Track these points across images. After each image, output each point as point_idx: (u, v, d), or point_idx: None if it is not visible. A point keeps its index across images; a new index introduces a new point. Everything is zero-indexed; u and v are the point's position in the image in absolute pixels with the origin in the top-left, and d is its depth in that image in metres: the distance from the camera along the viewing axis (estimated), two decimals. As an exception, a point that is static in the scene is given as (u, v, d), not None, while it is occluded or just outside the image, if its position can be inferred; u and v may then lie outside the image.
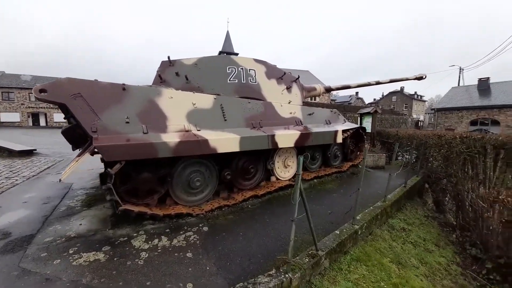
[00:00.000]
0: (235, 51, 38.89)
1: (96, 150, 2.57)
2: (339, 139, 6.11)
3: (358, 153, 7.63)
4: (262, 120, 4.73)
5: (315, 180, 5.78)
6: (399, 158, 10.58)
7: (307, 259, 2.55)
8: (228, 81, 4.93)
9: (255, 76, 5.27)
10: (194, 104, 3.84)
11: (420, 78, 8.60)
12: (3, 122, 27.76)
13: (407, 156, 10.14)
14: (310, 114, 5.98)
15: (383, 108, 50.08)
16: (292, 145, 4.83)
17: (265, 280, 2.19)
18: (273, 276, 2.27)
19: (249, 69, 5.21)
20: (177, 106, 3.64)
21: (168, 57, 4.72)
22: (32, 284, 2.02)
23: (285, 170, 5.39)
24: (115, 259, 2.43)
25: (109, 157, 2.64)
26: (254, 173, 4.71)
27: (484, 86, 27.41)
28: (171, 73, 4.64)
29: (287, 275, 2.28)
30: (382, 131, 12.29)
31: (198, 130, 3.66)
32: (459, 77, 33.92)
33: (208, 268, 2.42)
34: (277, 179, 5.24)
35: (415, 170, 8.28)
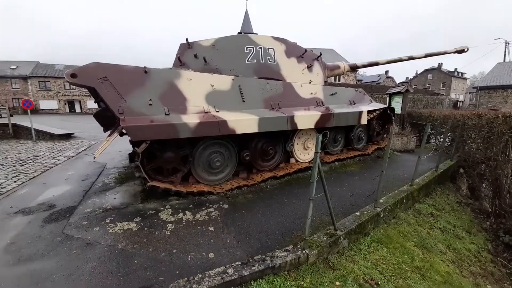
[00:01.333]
0: (255, 31, 37.67)
1: (123, 130, 2.74)
2: (364, 121, 5.80)
3: (385, 135, 7.23)
4: (282, 101, 4.64)
5: (336, 163, 5.65)
6: (431, 141, 9.84)
7: (324, 238, 2.57)
8: (246, 62, 4.84)
9: (274, 55, 5.09)
10: (213, 85, 3.86)
11: (461, 51, 7.65)
12: (42, 109, 30.57)
13: (441, 139, 9.41)
14: (332, 94, 5.72)
15: (416, 87, 45.76)
16: (312, 126, 4.71)
17: (282, 254, 2.27)
18: (290, 251, 2.33)
19: (268, 48, 5.03)
20: (196, 87, 3.69)
21: (187, 39, 4.71)
22: (75, 247, 2.32)
23: (304, 152, 5.31)
24: (145, 229, 2.67)
25: (135, 137, 2.81)
26: (273, 155, 4.72)
27: (534, 60, 23.72)
28: (190, 55, 4.65)
29: (304, 251, 2.33)
30: (413, 113, 11.40)
31: (217, 111, 3.71)
32: (505, 51, 29.78)
33: (228, 241, 2.56)
34: (297, 161, 5.20)
35: (449, 154, 7.72)
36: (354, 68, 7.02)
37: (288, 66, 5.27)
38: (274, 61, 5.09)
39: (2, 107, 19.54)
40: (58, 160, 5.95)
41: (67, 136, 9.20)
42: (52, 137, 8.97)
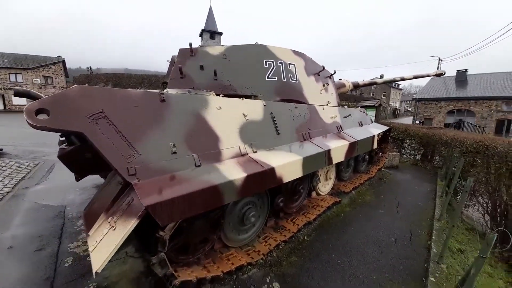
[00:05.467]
0: (219, 30, 36.07)
1: (146, 212, 1.60)
2: (375, 145, 5.57)
3: (380, 154, 7.25)
4: (310, 129, 3.93)
5: (353, 192, 5.23)
6: (404, 155, 10.46)
7: None
8: (266, 79, 3.98)
9: (295, 72, 4.36)
10: (246, 115, 2.90)
11: (440, 75, 8.35)
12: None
13: (414, 153, 10.14)
14: (346, 117, 5.30)
15: (363, 95, 51.05)
16: (343, 159, 4.15)
17: None
18: None
19: (289, 64, 4.28)
20: (227, 119, 2.68)
21: (190, 44, 3.62)
22: None
23: (325, 183, 4.75)
24: None
25: (165, 220, 1.69)
26: (301, 193, 3.98)
27: (462, 77, 28.60)
28: (194, 66, 3.57)
29: None
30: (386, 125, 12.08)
31: (254, 152, 2.77)
32: (437, 68, 35.31)
33: None
34: (318, 194, 4.59)
35: (428, 169, 8.28)
36: (356, 86, 6.81)
37: (309, 86, 4.61)
38: (296, 80, 4.35)
39: None
40: (-17, 203, 4.00)
41: (-10, 154, 6.64)
42: (-36, 156, 6.33)
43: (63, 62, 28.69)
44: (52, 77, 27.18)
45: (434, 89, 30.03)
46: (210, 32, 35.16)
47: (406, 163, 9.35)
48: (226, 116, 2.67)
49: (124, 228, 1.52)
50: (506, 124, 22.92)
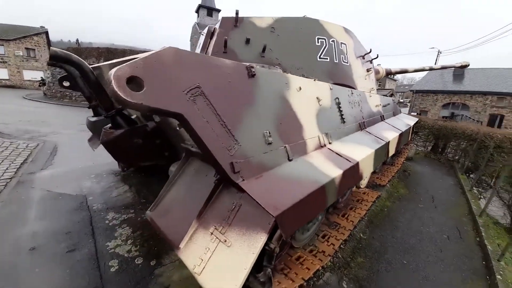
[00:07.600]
0: (217, 6, 33.85)
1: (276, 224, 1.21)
2: (409, 136, 5.35)
3: (402, 146, 7.09)
4: (364, 117, 3.59)
5: (388, 185, 5.04)
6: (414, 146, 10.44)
7: None
8: (318, 59, 3.53)
9: (346, 53, 3.91)
10: (320, 100, 2.48)
11: (464, 66, 8.09)
12: None
13: (423, 144, 10.14)
14: (385, 106, 4.99)
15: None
16: (394, 151, 3.87)
17: None
18: None
19: (341, 43, 3.81)
20: (306, 103, 2.27)
21: (237, 12, 3.10)
22: None
23: (365, 175, 4.50)
24: None
25: (289, 231, 1.32)
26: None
27: (459, 71, 28.67)
28: (238, 39, 3.08)
29: None
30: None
31: (330, 143, 2.40)
32: (436, 60, 35.27)
33: None
34: (357, 187, 4.34)
35: (441, 162, 8.27)
36: (388, 74, 6.43)
37: (357, 70, 4.19)
38: (347, 62, 3.92)
39: None
40: (-15, 190, 3.44)
41: (-21, 132, 5.85)
42: None
43: (46, 33, 26.10)
44: (34, 49, 24.79)
45: (432, 81, 30.13)
46: (208, 8, 32.92)
47: (418, 155, 9.34)
48: (305, 99, 2.25)
49: (248, 246, 1.14)
50: (499, 119, 23.62)
